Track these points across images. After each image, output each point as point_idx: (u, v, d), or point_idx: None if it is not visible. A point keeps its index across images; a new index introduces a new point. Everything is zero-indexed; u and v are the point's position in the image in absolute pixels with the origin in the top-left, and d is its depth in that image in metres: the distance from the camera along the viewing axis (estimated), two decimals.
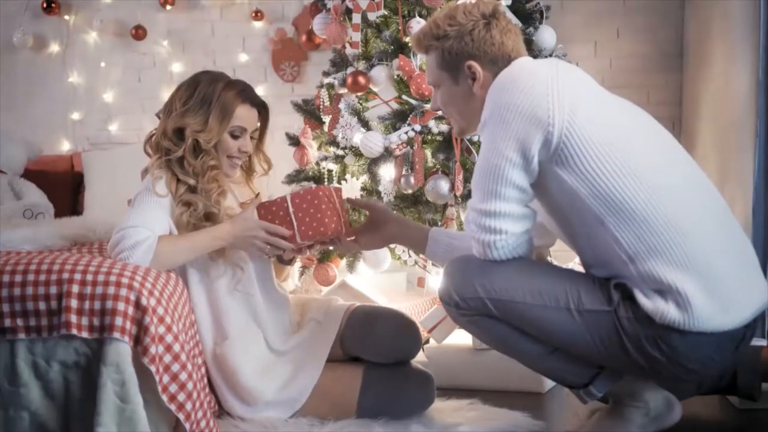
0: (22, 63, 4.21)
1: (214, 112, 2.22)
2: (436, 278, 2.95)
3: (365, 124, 3.00)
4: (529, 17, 3.09)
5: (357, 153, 3.00)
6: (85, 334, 1.93)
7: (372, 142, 2.88)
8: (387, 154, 2.93)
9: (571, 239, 1.98)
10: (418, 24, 2.90)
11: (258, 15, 4.06)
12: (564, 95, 1.83)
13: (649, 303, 1.80)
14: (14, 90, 4.20)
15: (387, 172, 2.97)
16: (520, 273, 1.91)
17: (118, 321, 1.92)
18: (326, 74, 3.20)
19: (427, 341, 2.70)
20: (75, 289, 1.94)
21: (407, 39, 2.92)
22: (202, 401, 2.03)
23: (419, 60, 2.92)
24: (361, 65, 3.06)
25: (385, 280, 3.17)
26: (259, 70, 4.10)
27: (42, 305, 1.94)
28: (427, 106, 2.89)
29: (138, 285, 1.96)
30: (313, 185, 3.04)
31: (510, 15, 2.95)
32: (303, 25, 4.00)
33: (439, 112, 2.23)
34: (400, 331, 2.30)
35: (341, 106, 3.05)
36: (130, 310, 1.94)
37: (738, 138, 2.81)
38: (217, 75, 2.29)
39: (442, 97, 2.07)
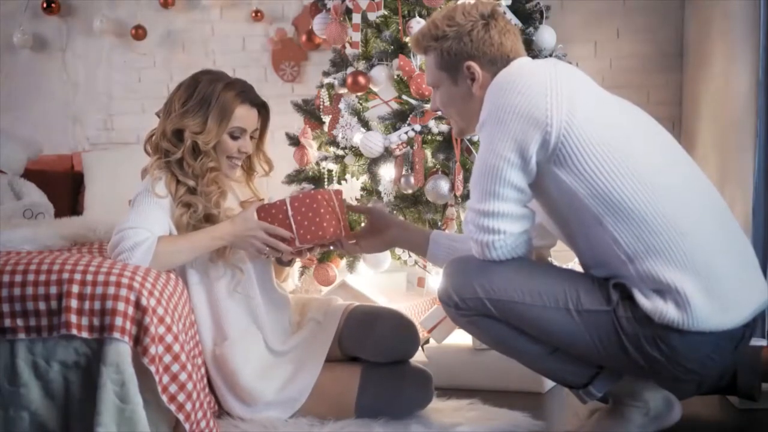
0: (22, 63, 4.21)
1: (213, 113, 2.21)
2: (435, 278, 2.94)
3: (365, 124, 3.00)
4: (529, 17, 3.09)
5: (357, 153, 3.00)
6: (85, 334, 1.93)
7: (372, 142, 2.88)
8: (387, 154, 2.93)
9: (570, 239, 1.98)
10: (418, 24, 2.90)
11: (258, 15, 4.06)
12: (562, 95, 1.83)
13: (648, 303, 1.80)
14: (14, 90, 4.20)
15: (387, 172, 2.97)
16: (520, 273, 1.91)
17: (118, 321, 1.92)
18: (326, 74, 3.19)
19: (427, 341, 2.70)
20: (75, 289, 1.94)
21: (407, 39, 2.92)
22: (202, 401, 2.04)
23: (419, 60, 2.92)
24: (361, 65, 3.06)
25: (385, 280, 3.17)
26: (259, 70, 4.10)
27: (42, 305, 1.94)
28: (427, 106, 2.88)
29: (138, 285, 1.96)
30: (313, 186, 3.04)
31: (510, 15, 2.95)
32: (303, 25, 4.00)
33: (439, 113, 2.23)
34: (398, 331, 2.30)
35: (341, 106, 3.05)
36: (130, 310, 1.94)
37: (738, 138, 2.81)
38: (217, 75, 2.28)
39: (441, 97, 2.07)
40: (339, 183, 3.07)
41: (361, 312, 2.36)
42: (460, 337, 2.63)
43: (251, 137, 2.32)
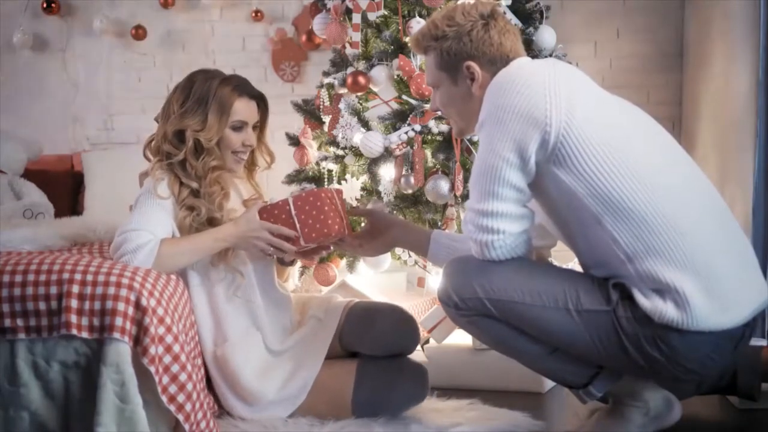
0: (22, 63, 4.21)
1: (212, 109, 2.21)
2: (436, 278, 2.94)
3: (365, 124, 3.00)
4: (529, 17, 3.09)
5: (357, 153, 3.00)
6: (85, 335, 1.93)
7: (372, 142, 2.88)
8: (387, 154, 2.93)
9: (570, 239, 1.99)
10: (418, 24, 2.90)
11: (258, 15, 4.06)
12: (561, 95, 1.83)
13: (648, 302, 1.80)
14: (14, 90, 4.20)
15: (387, 172, 2.97)
16: (519, 273, 1.91)
17: (118, 321, 1.92)
18: (326, 74, 3.19)
19: (427, 341, 2.70)
20: (75, 289, 1.94)
21: (407, 39, 2.92)
22: (202, 402, 2.04)
23: (419, 60, 2.92)
24: (361, 65, 3.06)
25: (385, 280, 3.17)
26: (259, 70, 4.10)
27: (42, 305, 1.94)
28: (427, 106, 2.88)
29: (138, 285, 1.96)
30: (314, 186, 3.04)
31: (510, 15, 2.95)
32: (303, 25, 4.00)
33: (439, 113, 2.23)
34: (398, 326, 2.30)
35: (341, 106, 3.05)
36: (130, 310, 1.94)
37: (738, 138, 2.81)
38: (212, 72, 2.28)
39: (441, 97, 2.07)
40: (339, 183, 3.07)
41: (361, 308, 2.36)
42: (460, 337, 2.63)
43: (253, 128, 2.32)
